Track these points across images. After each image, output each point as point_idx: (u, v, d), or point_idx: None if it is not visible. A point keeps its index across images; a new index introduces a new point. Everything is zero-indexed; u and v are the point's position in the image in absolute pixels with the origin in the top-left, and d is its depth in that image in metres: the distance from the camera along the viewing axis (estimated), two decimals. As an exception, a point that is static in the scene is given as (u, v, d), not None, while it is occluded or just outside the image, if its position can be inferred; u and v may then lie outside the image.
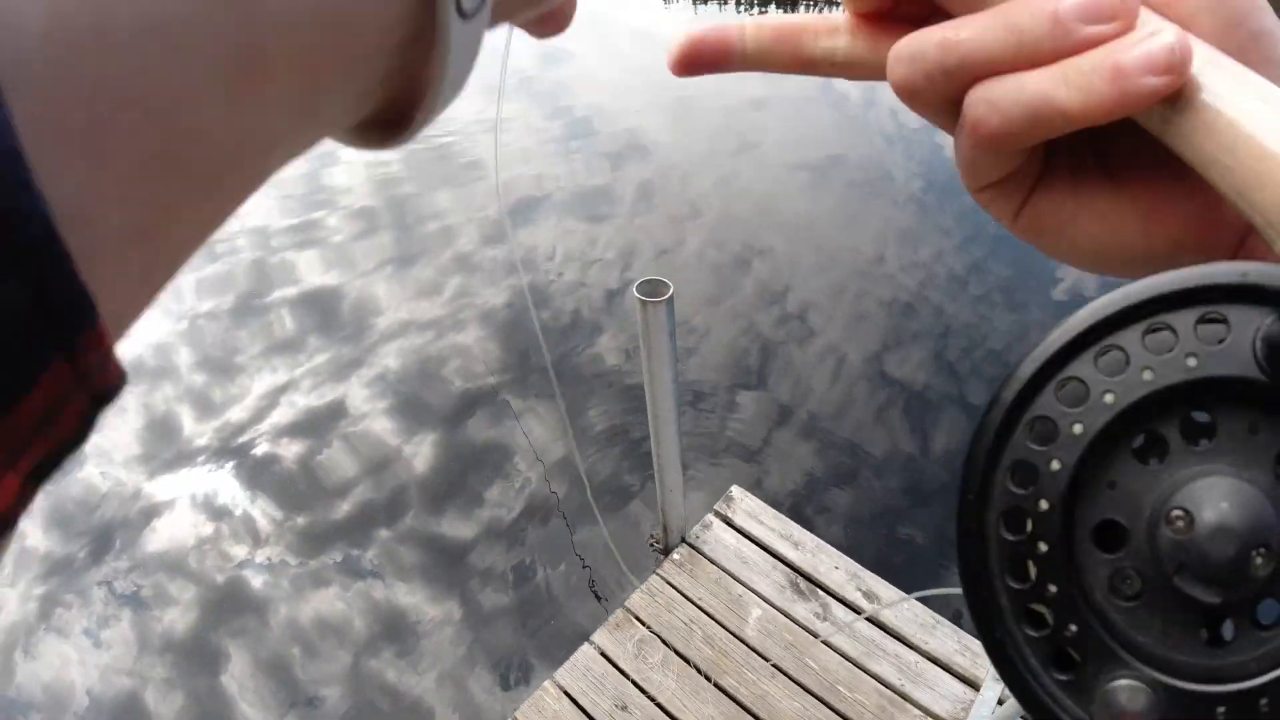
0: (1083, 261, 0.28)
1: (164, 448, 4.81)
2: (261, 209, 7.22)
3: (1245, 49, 0.24)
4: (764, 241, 6.82)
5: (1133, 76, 0.22)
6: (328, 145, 0.23)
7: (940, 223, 7.29)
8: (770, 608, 3.13)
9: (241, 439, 4.81)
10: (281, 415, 4.96)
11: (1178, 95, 0.22)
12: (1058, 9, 0.23)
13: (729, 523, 3.43)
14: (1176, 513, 0.21)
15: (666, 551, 3.36)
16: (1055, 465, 0.22)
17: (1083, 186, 0.27)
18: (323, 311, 5.90)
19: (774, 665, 2.93)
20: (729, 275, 6.37)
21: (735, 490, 3.56)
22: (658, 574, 3.25)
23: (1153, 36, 0.22)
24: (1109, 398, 0.22)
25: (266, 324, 5.77)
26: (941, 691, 2.92)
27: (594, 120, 10.16)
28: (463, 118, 9.67)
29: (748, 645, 3.01)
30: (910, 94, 0.27)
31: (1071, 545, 0.22)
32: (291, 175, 8.02)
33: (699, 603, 3.13)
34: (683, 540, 3.36)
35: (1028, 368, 0.23)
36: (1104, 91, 0.22)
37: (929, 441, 4.76)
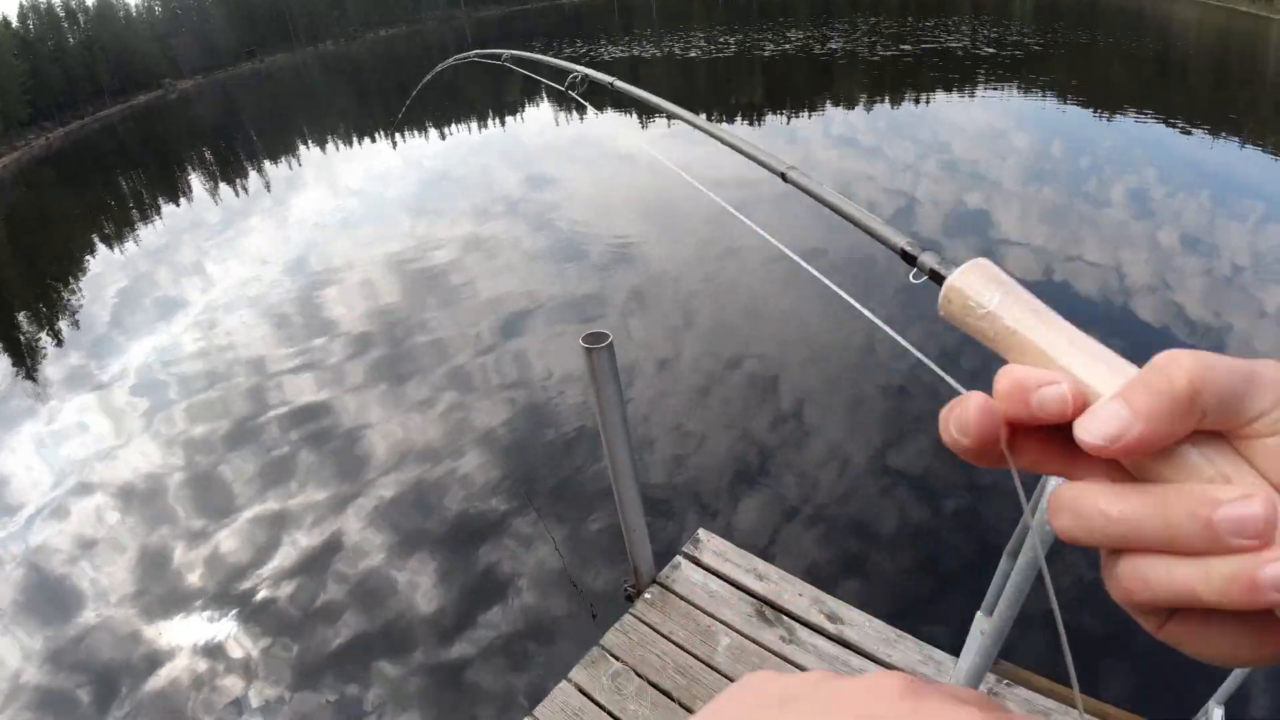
0: (1214, 662, 0.33)
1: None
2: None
3: None
4: (755, 341, 7.19)
5: (1264, 591, 0.27)
6: None
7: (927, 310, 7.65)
8: (738, 635, 3.28)
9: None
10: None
11: None
12: (1213, 518, 0.29)
13: (697, 562, 3.62)
14: None
15: (639, 593, 3.54)
16: None
17: (1217, 620, 0.31)
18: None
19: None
20: (720, 374, 6.73)
21: (702, 532, 3.77)
22: (630, 613, 3.42)
23: None
24: None
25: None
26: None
27: (583, 235, 10.82)
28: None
29: (718, 671, 3.15)
30: (1071, 540, 0.33)
31: None
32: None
33: (670, 636, 3.30)
34: (654, 581, 3.55)
35: None
36: (1238, 597, 0.28)
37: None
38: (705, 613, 3.39)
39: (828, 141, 15.12)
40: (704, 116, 1.59)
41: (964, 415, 0.35)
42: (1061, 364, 0.35)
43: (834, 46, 27.58)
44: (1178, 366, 0.31)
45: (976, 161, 12.84)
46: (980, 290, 0.40)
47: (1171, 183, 11.35)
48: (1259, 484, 0.30)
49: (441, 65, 3.74)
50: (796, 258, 1.12)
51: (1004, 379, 0.36)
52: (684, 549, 3.69)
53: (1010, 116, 15.73)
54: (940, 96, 18.44)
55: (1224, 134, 14.17)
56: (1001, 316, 0.38)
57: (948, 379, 0.55)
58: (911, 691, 0.32)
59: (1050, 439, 0.35)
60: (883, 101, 18.42)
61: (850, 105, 18.42)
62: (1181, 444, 0.31)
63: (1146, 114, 15.85)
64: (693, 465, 5.57)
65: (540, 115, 22.88)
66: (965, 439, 0.35)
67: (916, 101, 18.16)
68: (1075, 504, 0.33)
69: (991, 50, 24.78)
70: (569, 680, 3.18)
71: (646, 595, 3.49)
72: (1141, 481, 0.33)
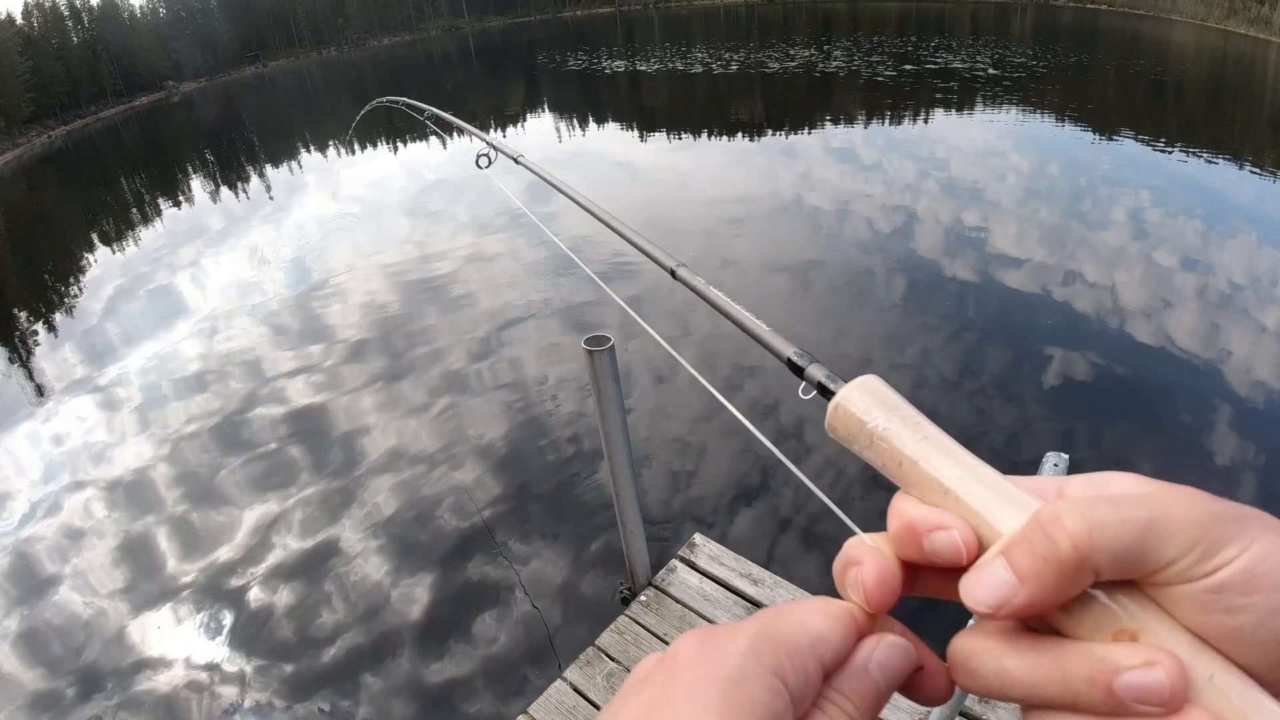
0: None
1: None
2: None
3: None
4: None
5: None
6: None
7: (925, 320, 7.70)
8: (732, 638, 3.31)
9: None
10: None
11: None
12: (1113, 687, 0.28)
13: (693, 566, 3.66)
14: None
15: (634, 596, 3.57)
16: None
17: None
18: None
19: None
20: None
21: (698, 537, 3.81)
22: (626, 615, 3.46)
23: None
24: None
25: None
26: (898, 703, 3.07)
27: (581, 247, 10.86)
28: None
29: (711, 673, 3.18)
30: (975, 694, 0.32)
31: None
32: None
33: (665, 638, 3.33)
34: (649, 584, 3.58)
35: None
36: None
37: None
38: (700, 615, 3.43)
39: (827, 158, 15.23)
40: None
41: (859, 582, 0.34)
42: (952, 498, 0.34)
43: (837, 65, 27.76)
44: (1060, 528, 0.29)
45: (975, 180, 12.95)
46: (868, 411, 0.38)
47: (1168, 204, 11.48)
48: (1171, 636, 0.29)
49: (371, 104, 3.73)
50: (680, 358, 1.14)
51: (896, 520, 0.35)
52: (680, 553, 3.73)
53: (1009, 136, 15.89)
54: (940, 115, 18.63)
55: (1221, 155, 14.36)
56: (891, 441, 0.37)
57: (845, 519, 0.52)
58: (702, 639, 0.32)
59: (948, 571, 0.34)
60: (882, 120, 18.57)
61: (850, 122, 18.57)
62: (1087, 598, 0.30)
63: (1144, 136, 16.04)
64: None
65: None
66: (864, 605, 0.34)
67: (915, 120, 18.34)
68: (971, 663, 0.32)
69: (995, 71, 25.03)
70: (564, 679, 3.21)
71: (642, 597, 3.52)
72: (1046, 630, 0.32)
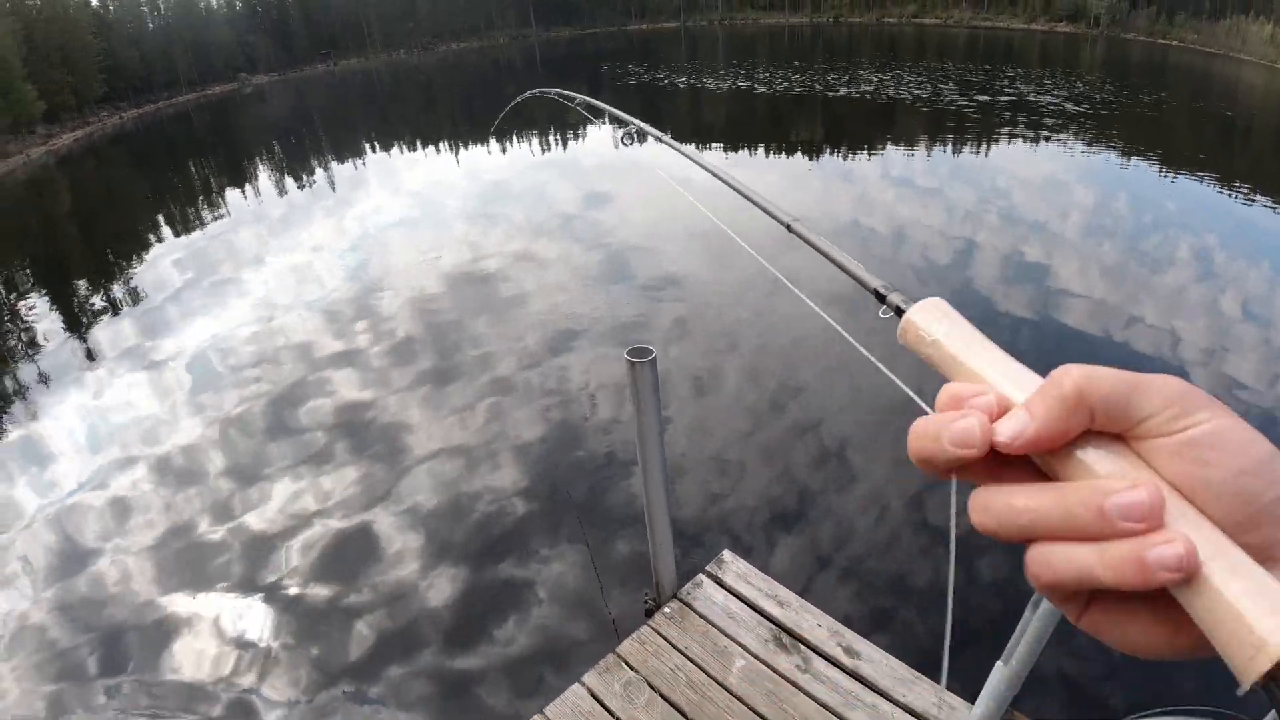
0: (1133, 652, 0.36)
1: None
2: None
3: (1259, 521, 0.32)
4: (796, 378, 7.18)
5: (1152, 570, 0.31)
6: None
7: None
8: (753, 659, 3.28)
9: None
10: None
11: (1186, 578, 0.31)
12: (1104, 506, 0.33)
13: (719, 582, 3.63)
14: None
15: (659, 607, 3.56)
16: None
17: (1127, 606, 0.35)
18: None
19: (752, 710, 3.06)
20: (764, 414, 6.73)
21: (726, 554, 3.78)
22: (649, 625, 3.44)
23: (1169, 544, 0.31)
24: None
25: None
26: (920, 691, 3.03)
27: (631, 259, 10.91)
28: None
29: (730, 692, 3.15)
30: (986, 533, 0.37)
31: None
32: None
33: (685, 651, 3.30)
34: (674, 596, 3.56)
35: None
36: (1129, 575, 0.32)
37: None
38: (723, 633, 3.39)
39: (885, 184, 15.09)
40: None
41: (969, 431, 0.38)
42: (989, 381, 0.41)
43: (919, 93, 27.38)
44: (1066, 375, 0.36)
45: (1037, 213, 12.70)
46: (930, 323, 0.47)
47: (1232, 248, 11.14)
48: (1150, 477, 0.34)
49: (521, 96, 3.97)
50: (794, 289, 1.29)
51: (944, 394, 0.41)
52: (708, 568, 3.71)
53: (1074, 170, 15.57)
54: (1004, 146, 18.33)
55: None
56: (945, 344, 0.45)
57: (917, 400, 0.64)
58: None
59: (983, 456, 0.39)
60: (945, 146, 18.34)
61: (911, 147, 18.38)
62: (1084, 447, 0.36)
63: (1209, 177, 15.58)
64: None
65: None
66: (969, 450, 0.38)
67: (978, 150, 18.07)
68: (987, 500, 0.37)
69: (1074, 106, 24.55)
70: (582, 683, 3.20)
71: (666, 610, 3.50)
72: (1051, 482, 0.37)
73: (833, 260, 0.89)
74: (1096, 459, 0.36)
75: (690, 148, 1.83)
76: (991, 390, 0.40)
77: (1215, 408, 0.35)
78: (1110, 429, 0.36)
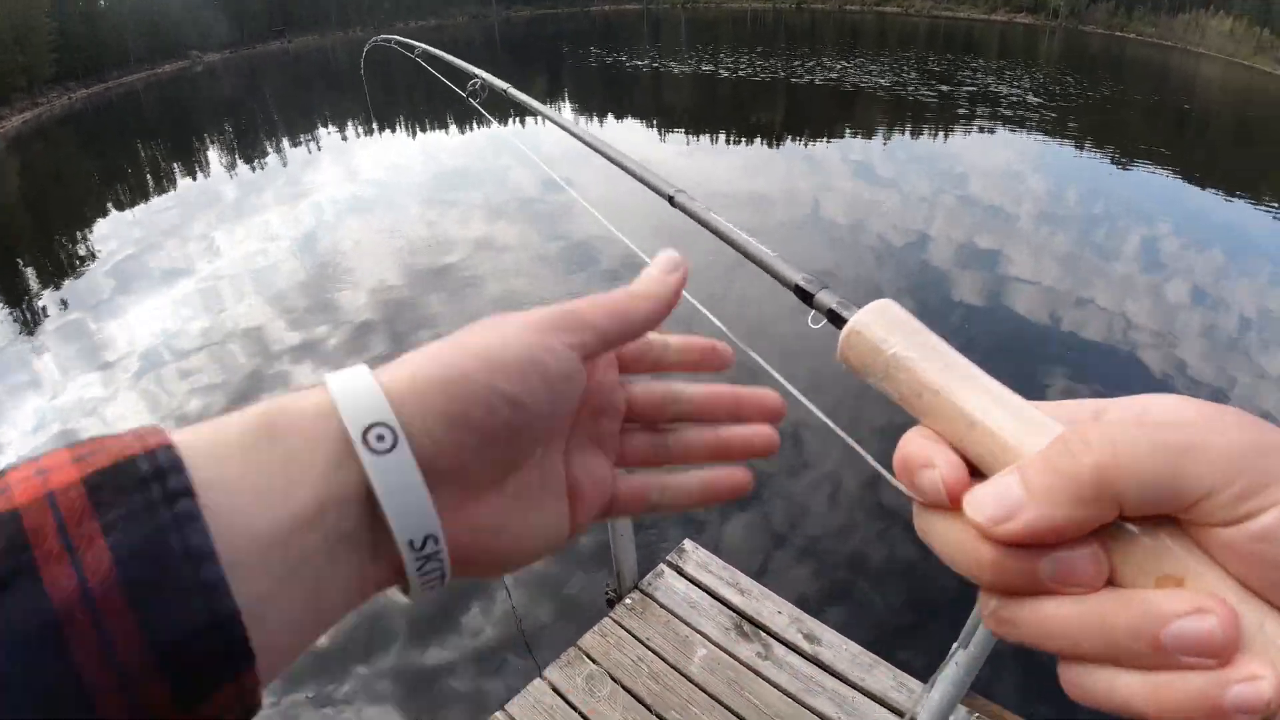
0: None
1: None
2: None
3: None
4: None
5: (1228, 714, 0.23)
6: None
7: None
8: (715, 648, 3.29)
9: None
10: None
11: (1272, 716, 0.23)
12: (1162, 637, 0.24)
13: (680, 572, 3.63)
14: None
15: (620, 598, 3.54)
16: None
17: None
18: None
19: (715, 699, 3.07)
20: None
21: (687, 543, 3.78)
22: (610, 617, 3.43)
23: (1252, 682, 0.23)
24: None
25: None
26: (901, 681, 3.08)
27: (592, 243, 10.85)
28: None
29: (692, 681, 3.15)
30: (1002, 637, 0.29)
31: None
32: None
33: (647, 642, 3.30)
34: (635, 587, 3.55)
35: None
36: (1197, 718, 0.24)
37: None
38: (684, 622, 3.40)
39: (846, 169, 15.19)
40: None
41: (937, 481, 0.31)
42: (979, 430, 0.31)
43: (881, 82, 27.52)
44: (1083, 446, 0.27)
45: (991, 201, 12.90)
46: (885, 337, 0.34)
47: (1183, 236, 11.44)
48: (1220, 583, 0.26)
49: (369, 44, 3.81)
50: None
51: (900, 455, 0.32)
52: (668, 558, 3.70)
53: (1028, 159, 15.83)
54: (959, 134, 18.56)
55: (1239, 192, 14.30)
56: (910, 369, 0.33)
57: (882, 472, 0.41)
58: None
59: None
60: (903, 134, 18.52)
61: (869, 136, 18.52)
62: (1125, 527, 0.27)
63: (1165, 167, 15.97)
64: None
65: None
66: (943, 500, 0.30)
67: (935, 136, 18.28)
68: (1003, 611, 0.29)
69: (1035, 98, 24.93)
70: (543, 678, 3.18)
71: (627, 601, 3.49)
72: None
73: (734, 244, 0.68)
74: (1145, 551, 0.27)
75: (555, 109, 1.64)
76: (942, 455, 0.31)
77: None
78: (1152, 514, 0.27)
